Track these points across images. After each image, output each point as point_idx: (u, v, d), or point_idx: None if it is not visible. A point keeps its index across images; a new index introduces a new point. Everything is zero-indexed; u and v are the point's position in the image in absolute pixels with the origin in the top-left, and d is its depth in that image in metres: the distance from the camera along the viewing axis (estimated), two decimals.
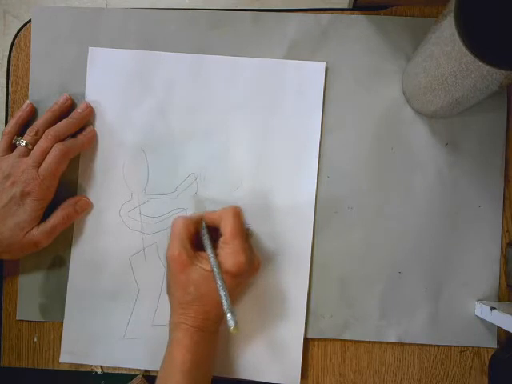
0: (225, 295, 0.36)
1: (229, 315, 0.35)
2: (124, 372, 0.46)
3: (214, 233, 0.41)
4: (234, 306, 0.36)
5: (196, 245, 0.41)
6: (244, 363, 0.45)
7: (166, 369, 0.39)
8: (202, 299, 0.39)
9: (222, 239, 0.40)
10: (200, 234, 0.41)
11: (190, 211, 0.46)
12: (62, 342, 0.46)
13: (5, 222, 0.41)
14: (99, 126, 0.46)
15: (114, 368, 0.46)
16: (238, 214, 0.40)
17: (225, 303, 0.36)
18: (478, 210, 0.46)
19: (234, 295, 0.39)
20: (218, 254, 0.39)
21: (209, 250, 0.39)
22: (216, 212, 0.41)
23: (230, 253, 0.39)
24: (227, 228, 0.39)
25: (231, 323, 0.35)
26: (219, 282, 0.37)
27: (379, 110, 0.46)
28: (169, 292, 0.41)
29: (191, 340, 0.39)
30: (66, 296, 0.46)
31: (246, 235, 0.41)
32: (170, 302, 0.41)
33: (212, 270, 0.38)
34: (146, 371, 0.46)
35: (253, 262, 0.41)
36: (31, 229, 0.42)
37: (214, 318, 0.40)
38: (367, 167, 0.46)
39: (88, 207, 0.46)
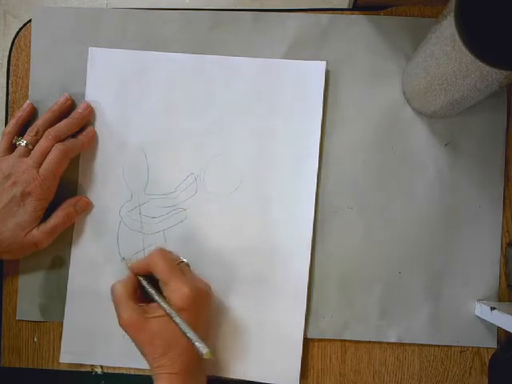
0: (185, 328, 0.36)
1: (197, 344, 0.35)
2: (124, 372, 0.46)
3: (154, 278, 0.41)
4: (205, 336, 0.37)
5: (141, 299, 0.40)
6: (244, 363, 0.45)
7: None
8: (171, 345, 0.38)
9: (160, 283, 0.40)
10: (143, 288, 0.41)
11: (190, 211, 0.46)
12: (62, 341, 0.46)
13: (5, 222, 0.41)
14: (99, 126, 0.46)
15: (114, 368, 0.46)
16: (162, 253, 0.40)
17: (189, 335, 0.36)
18: (478, 210, 0.46)
19: (200, 327, 0.38)
20: (164, 296, 0.39)
21: (155, 297, 0.39)
22: (144, 259, 0.41)
23: (173, 290, 0.38)
24: (159, 270, 0.39)
25: (202, 350, 0.35)
26: (176, 320, 0.37)
27: (379, 109, 0.46)
28: (140, 353, 0.40)
29: None
30: (66, 296, 0.46)
31: (181, 269, 0.40)
32: (147, 361, 0.39)
33: (166, 313, 0.38)
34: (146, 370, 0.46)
35: (200, 290, 0.40)
36: (31, 229, 0.42)
37: (191, 355, 0.38)
38: (367, 167, 0.46)
39: (88, 207, 0.46)
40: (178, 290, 0.38)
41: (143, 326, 0.38)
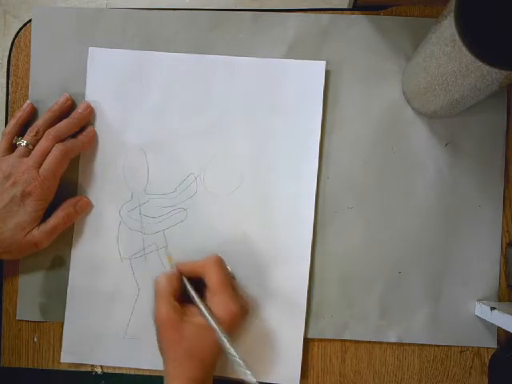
0: (231, 351, 0.36)
1: (245, 371, 0.36)
2: (124, 372, 0.46)
3: (198, 283, 0.40)
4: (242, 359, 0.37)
5: (180, 298, 0.40)
6: (244, 363, 0.45)
7: None
8: (196, 352, 0.38)
9: (209, 291, 0.39)
10: (184, 288, 0.41)
11: (190, 211, 0.46)
12: (63, 341, 0.46)
13: (5, 222, 0.41)
14: (99, 126, 0.46)
15: (114, 368, 0.46)
16: (220, 263, 0.40)
17: (235, 359, 0.36)
18: (478, 210, 0.46)
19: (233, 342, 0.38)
20: (207, 305, 0.39)
21: (201, 306, 0.39)
22: (198, 263, 0.41)
23: (220, 303, 0.38)
24: (213, 279, 0.39)
25: (251, 379, 0.35)
26: (221, 337, 0.37)
27: (379, 110, 0.46)
28: (160, 349, 0.40)
29: None
30: (67, 296, 0.46)
31: (231, 283, 0.40)
32: (163, 358, 0.39)
33: (207, 323, 0.37)
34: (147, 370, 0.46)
35: (243, 309, 0.40)
36: (31, 229, 0.42)
37: (207, 368, 0.39)
38: (367, 167, 0.46)
39: (88, 207, 0.46)
40: (225, 305, 0.38)
41: (177, 326, 0.38)
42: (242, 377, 0.35)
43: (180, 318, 0.38)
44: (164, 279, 0.40)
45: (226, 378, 0.45)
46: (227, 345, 0.37)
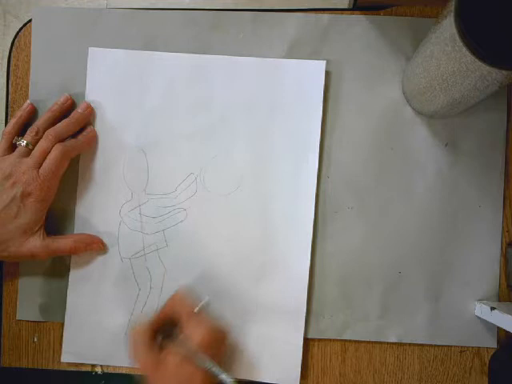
0: (209, 363, 0.38)
1: (223, 376, 0.38)
2: (124, 372, 0.46)
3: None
4: (221, 368, 0.38)
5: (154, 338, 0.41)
6: (244, 363, 0.45)
7: None
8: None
9: (180, 325, 0.40)
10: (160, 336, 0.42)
11: (190, 211, 0.46)
12: (63, 341, 0.46)
13: (5, 224, 0.41)
14: (99, 126, 0.46)
15: (115, 368, 0.47)
16: (182, 297, 0.42)
17: (214, 370, 0.38)
18: (478, 210, 0.46)
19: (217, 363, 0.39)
20: (182, 338, 0.40)
21: (176, 341, 0.40)
22: (164, 309, 0.42)
23: (192, 330, 0.39)
24: (179, 314, 0.41)
25: (226, 380, 0.37)
26: (199, 356, 0.38)
27: (379, 110, 0.46)
28: None
29: None
30: (67, 296, 0.46)
31: (199, 314, 0.41)
32: None
33: (185, 352, 0.38)
34: None
35: (217, 330, 0.41)
36: (33, 234, 0.42)
37: None
38: (367, 167, 0.46)
39: (100, 251, 0.46)
40: (196, 329, 0.39)
41: (160, 367, 0.39)
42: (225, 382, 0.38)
43: (160, 358, 0.39)
44: (137, 332, 0.41)
45: None
46: (206, 363, 0.38)
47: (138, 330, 0.41)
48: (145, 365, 0.39)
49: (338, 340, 0.46)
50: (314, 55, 0.46)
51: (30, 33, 0.47)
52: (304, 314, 0.45)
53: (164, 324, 0.42)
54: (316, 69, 0.46)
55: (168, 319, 0.42)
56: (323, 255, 0.46)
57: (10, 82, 0.47)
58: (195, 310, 0.41)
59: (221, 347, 0.42)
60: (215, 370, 0.38)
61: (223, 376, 0.37)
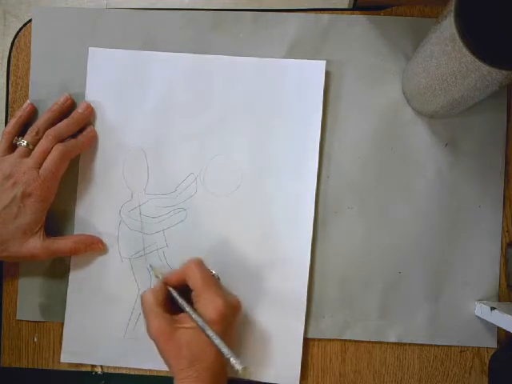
0: (219, 343, 0.36)
1: (232, 360, 0.35)
2: (124, 372, 0.46)
3: (184, 289, 0.40)
4: (232, 350, 0.36)
5: (170, 309, 0.40)
6: (243, 363, 0.45)
7: None
8: (198, 357, 0.38)
9: (194, 293, 0.39)
10: (172, 298, 0.41)
11: (190, 211, 0.46)
12: (63, 341, 0.46)
13: (5, 224, 0.41)
14: (99, 126, 0.46)
15: (114, 368, 0.46)
16: (200, 264, 0.40)
17: (223, 350, 0.36)
18: (478, 210, 0.46)
19: (228, 339, 0.38)
20: (195, 308, 0.39)
21: (187, 308, 0.39)
22: (178, 271, 0.41)
23: (206, 303, 0.38)
24: (195, 280, 0.39)
25: (238, 366, 0.35)
26: (209, 333, 0.37)
27: (379, 109, 0.46)
28: (165, 362, 0.39)
29: None
30: (67, 296, 0.46)
31: (215, 281, 0.40)
32: (170, 371, 0.39)
33: (198, 325, 0.37)
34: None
35: (232, 303, 0.40)
36: (33, 234, 0.42)
37: (218, 368, 0.38)
38: (367, 167, 0.46)
39: (100, 251, 0.45)
40: (211, 302, 0.38)
41: (172, 335, 0.38)
42: (236, 369, 0.35)
43: (173, 328, 0.38)
44: (149, 294, 0.40)
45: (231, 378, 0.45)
46: (216, 341, 0.36)
47: (150, 295, 0.40)
48: (156, 333, 0.38)
49: (337, 340, 0.46)
50: (313, 55, 0.46)
51: (29, 33, 0.47)
52: (304, 314, 0.45)
53: (175, 288, 0.41)
54: (316, 69, 0.46)
55: (180, 284, 0.41)
56: (323, 255, 0.46)
57: (10, 82, 0.47)
58: (213, 273, 0.40)
59: (234, 321, 0.41)
60: (225, 351, 0.36)
61: (233, 360, 0.35)
